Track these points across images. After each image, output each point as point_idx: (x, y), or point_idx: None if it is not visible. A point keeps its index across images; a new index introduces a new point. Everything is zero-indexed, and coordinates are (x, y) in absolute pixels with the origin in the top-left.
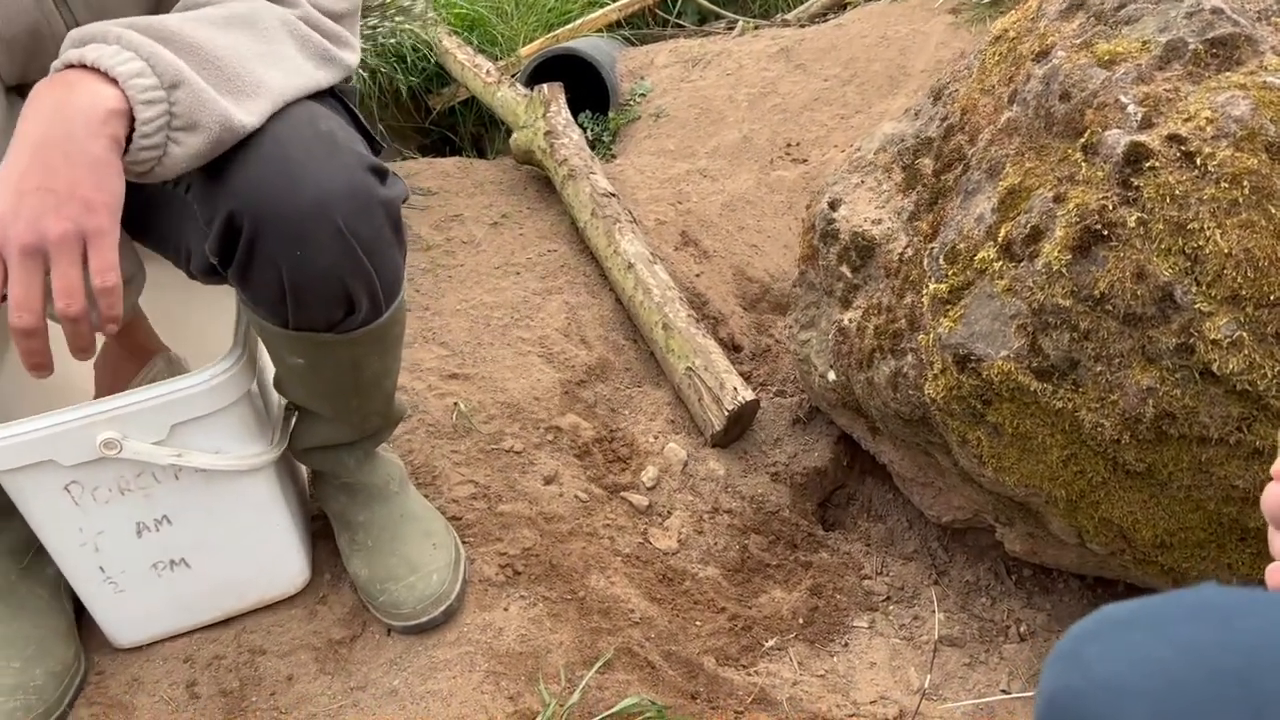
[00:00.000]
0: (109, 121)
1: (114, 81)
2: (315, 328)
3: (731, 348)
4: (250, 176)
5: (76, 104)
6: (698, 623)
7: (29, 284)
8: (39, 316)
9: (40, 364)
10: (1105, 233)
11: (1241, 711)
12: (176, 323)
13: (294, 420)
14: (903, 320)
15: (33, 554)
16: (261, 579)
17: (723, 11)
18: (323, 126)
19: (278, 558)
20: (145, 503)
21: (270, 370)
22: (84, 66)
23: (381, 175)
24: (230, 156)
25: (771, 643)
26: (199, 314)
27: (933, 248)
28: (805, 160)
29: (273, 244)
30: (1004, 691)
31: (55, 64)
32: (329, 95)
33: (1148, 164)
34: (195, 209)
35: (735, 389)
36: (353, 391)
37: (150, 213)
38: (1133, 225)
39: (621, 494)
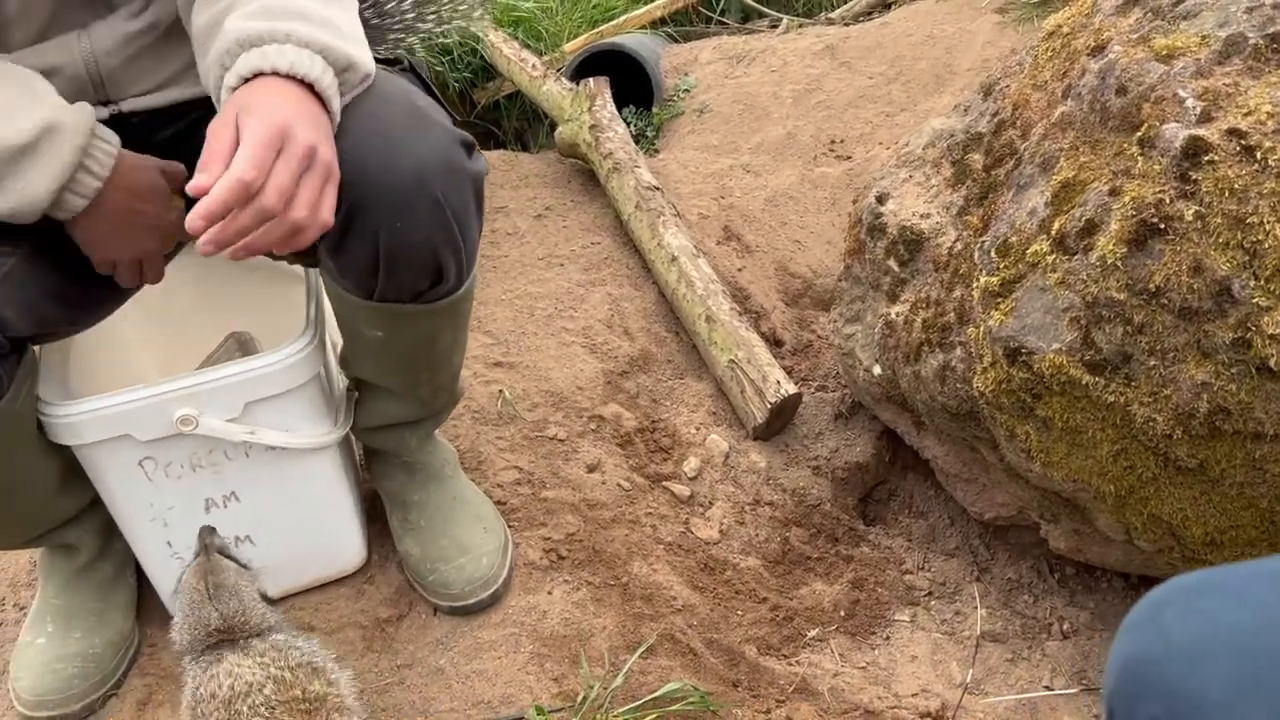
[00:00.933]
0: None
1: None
2: (400, 298)
3: (773, 342)
4: (351, 150)
5: (314, 115)
6: (739, 612)
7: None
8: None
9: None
10: (1162, 226)
11: None
12: (242, 301)
13: (355, 400)
14: (951, 314)
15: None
16: (321, 557)
17: (766, 10)
18: (419, 102)
19: (337, 537)
20: (215, 479)
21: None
22: (276, 74)
23: (469, 149)
24: None
25: (813, 633)
26: (263, 292)
27: (983, 241)
28: (849, 157)
29: (374, 214)
30: (1047, 688)
31: (239, 68)
32: (408, 70)
33: (1206, 158)
34: None
35: (778, 382)
36: (425, 364)
37: None
38: (1190, 219)
39: (663, 483)
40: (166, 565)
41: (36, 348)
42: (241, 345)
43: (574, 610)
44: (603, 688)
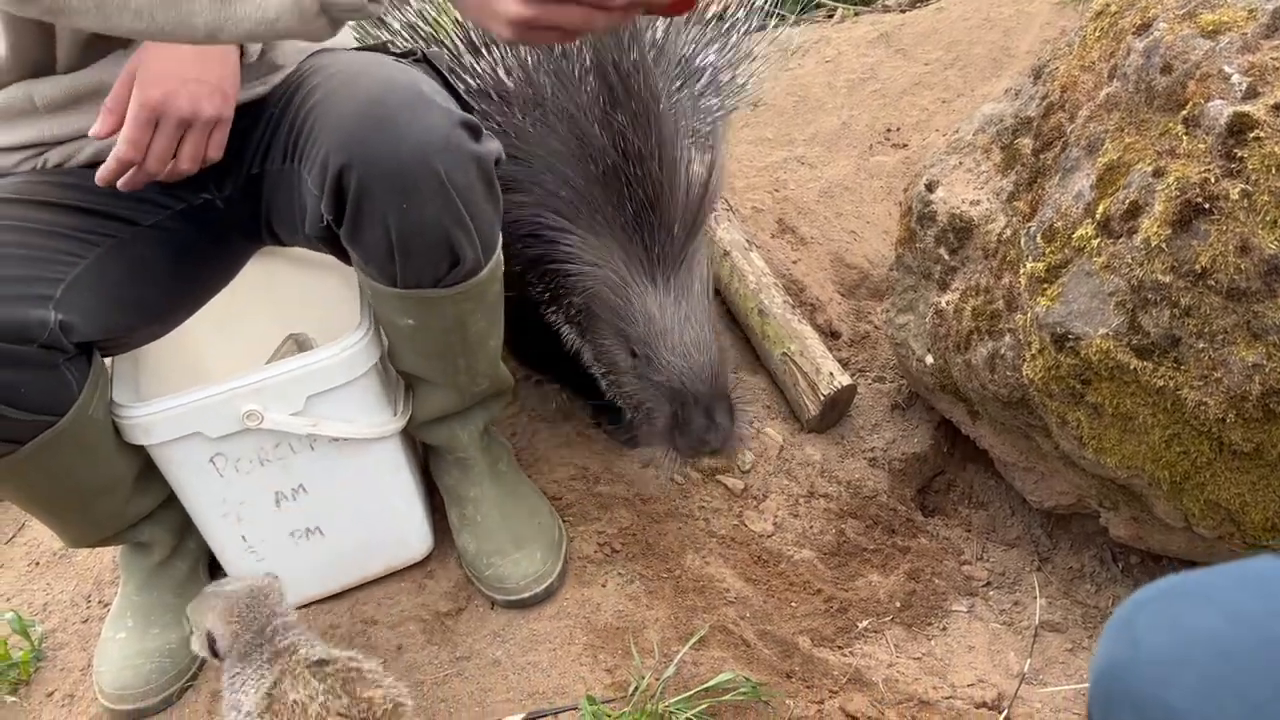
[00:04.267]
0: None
1: None
2: (422, 284)
3: (829, 334)
4: (356, 134)
5: (203, 71)
6: (793, 603)
7: (169, 145)
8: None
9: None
10: (1207, 206)
11: None
12: (303, 303)
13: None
14: (1000, 301)
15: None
16: (389, 545)
17: None
18: (424, 88)
19: (404, 524)
20: (283, 473)
21: None
22: None
23: (475, 131)
24: (338, 118)
25: (866, 624)
26: (322, 294)
27: (1030, 227)
28: (905, 145)
29: (380, 196)
30: None
31: None
32: (423, 61)
33: (1252, 134)
34: (306, 179)
35: (831, 374)
36: (460, 350)
37: (271, 196)
38: (1236, 197)
39: (717, 477)
40: (242, 559)
41: (108, 360)
42: (300, 345)
43: (627, 603)
44: (654, 678)
